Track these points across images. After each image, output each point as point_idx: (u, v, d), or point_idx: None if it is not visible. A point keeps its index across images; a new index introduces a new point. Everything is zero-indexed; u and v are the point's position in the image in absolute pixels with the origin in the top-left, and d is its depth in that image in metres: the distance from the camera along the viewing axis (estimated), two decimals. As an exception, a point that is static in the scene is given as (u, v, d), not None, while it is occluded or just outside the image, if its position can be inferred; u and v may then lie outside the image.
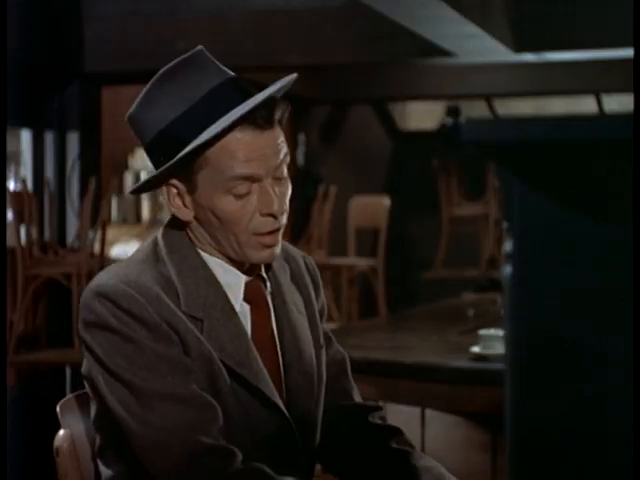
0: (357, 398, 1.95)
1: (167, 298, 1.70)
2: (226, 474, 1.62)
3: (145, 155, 1.79)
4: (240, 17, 7.15)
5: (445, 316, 4.75)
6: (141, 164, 8.14)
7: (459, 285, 7.26)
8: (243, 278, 1.78)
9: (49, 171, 7.39)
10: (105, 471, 1.78)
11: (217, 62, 1.76)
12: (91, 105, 7.52)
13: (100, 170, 7.50)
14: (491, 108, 9.32)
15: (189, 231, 1.77)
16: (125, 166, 8.23)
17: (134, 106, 1.76)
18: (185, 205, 1.74)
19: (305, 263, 1.93)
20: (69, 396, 1.88)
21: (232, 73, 1.76)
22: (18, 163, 7.59)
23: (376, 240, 8.12)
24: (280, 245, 1.77)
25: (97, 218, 6.36)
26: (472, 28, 6.06)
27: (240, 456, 1.65)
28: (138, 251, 1.79)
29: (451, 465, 1.87)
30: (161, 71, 1.75)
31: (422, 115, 10.12)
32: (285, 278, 1.87)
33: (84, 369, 1.76)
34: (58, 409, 1.85)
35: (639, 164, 0.98)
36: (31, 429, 4.94)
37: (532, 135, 1.00)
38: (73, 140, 7.42)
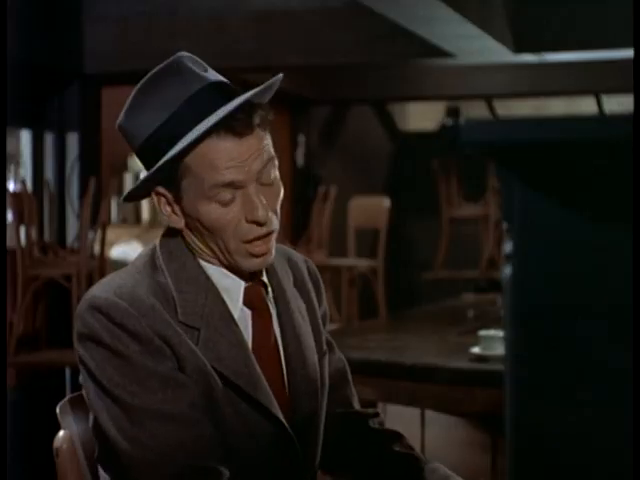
0: (357, 406, 1.95)
1: (163, 309, 1.68)
2: None
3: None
4: (240, 17, 7.15)
5: (445, 317, 4.75)
6: (141, 165, 8.13)
7: (459, 286, 7.26)
8: (242, 283, 1.77)
9: (49, 172, 7.38)
10: (103, 474, 1.78)
11: (200, 66, 1.73)
12: (91, 106, 7.51)
13: (100, 171, 7.50)
14: (491, 109, 9.32)
15: (186, 238, 1.76)
16: (125, 167, 8.22)
17: (122, 114, 1.77)
18: (175, 213, 1.74)
19: (307, 267, 1.92)
20: (69, 397, 1.88)
21: (218, 77, 1.73)
22: (18, 163, 7.59)
23: (376, 241, 8.11)
24: (274, 250, 1.74)
25: (97, 219, 6.36)
26: (472, 29, 6.06)
27: (227, 476, 1.65)
28: (137, 259, 1.78)
29: (451, 465, 1.87)
30: (144, 79, 1.74)
31: (422, 115, 10.12)
32: (289, 284, 1.86)
33: (81, 379, 1.75)
34: (58, 410, 1.84)
35: (639, 164, 0.97)
36: (31, 430, 4.94)
37: (532, 136, 1.00)
38: (73, 141, 7.42)
